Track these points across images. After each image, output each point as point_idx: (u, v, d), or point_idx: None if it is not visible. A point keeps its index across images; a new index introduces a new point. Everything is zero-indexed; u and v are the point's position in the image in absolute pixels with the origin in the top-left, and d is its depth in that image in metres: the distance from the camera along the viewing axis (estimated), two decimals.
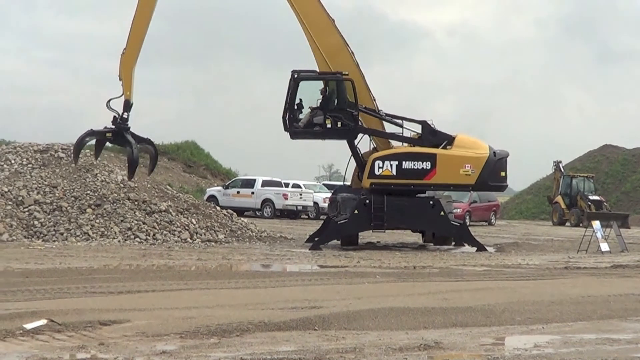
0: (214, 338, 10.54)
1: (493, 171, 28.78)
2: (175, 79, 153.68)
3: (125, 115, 28.58)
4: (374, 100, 29.73)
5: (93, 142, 30.13)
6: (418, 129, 29.75)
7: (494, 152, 28.99)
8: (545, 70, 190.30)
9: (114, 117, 28.59)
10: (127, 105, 28.54)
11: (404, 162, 28.69)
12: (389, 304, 13.60)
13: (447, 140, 29.17)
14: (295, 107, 29.10)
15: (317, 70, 29.22)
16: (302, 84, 28.98)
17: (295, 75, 28.86)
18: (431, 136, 29.26)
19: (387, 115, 29.81)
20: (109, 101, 28.51)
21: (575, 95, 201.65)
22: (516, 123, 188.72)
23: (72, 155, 29.53)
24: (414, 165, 28.59)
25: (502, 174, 29.09)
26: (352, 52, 29.46)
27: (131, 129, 28.85)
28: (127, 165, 30.07)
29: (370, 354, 9.88)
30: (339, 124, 29.03)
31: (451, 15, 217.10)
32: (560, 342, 11.02)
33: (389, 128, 30.07)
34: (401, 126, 29.95)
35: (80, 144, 29.16)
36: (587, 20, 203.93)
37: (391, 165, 28.73)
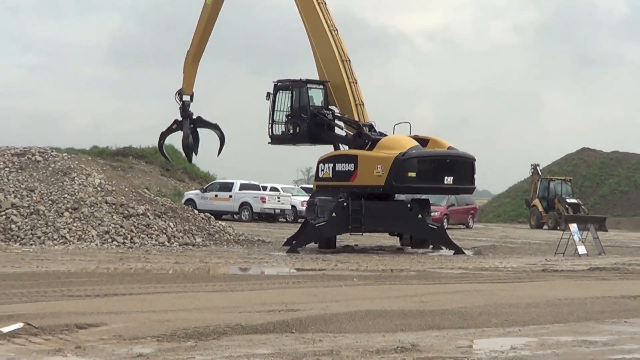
0: (191, 341, 10.52)
1: (398, 172, 27.68)
2: (154, 83, 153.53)
3: (185, 105, 32.95)
4: (360, 105, 29.84)
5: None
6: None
7: (403, 153, 27.78)
8: (524, 75, 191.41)
9: (179, 108, 33.19)
10: (181, 95, 32.81)
11: (337, 165, 28.98)
12: (366, 306, 13.63)
13: (372, 141, 28.97)
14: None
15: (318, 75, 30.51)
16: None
17: (274, 84, 30.41)
18: (358, 137, 29.36)
19: (335, 117, 30.35)
20: (176, 94, 32.99)
21: (553, 99, 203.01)
22: (495, 127, 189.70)
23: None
24: (342, 167, 28.78)
25: (410, 174, 27.81)
26: (347, 60, 29.94)
27: (199, 116, 33.59)
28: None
29: (347, 357, 9.88)
30: (298, 130, 29.81)
31: (431, 21, 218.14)
32: (536, 345, 11.05)
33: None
34: (342, 128, 30.39)
35: (160, 144, 35.35)
36: (566, 25, 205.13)
37: (329, 168, 29.05)
